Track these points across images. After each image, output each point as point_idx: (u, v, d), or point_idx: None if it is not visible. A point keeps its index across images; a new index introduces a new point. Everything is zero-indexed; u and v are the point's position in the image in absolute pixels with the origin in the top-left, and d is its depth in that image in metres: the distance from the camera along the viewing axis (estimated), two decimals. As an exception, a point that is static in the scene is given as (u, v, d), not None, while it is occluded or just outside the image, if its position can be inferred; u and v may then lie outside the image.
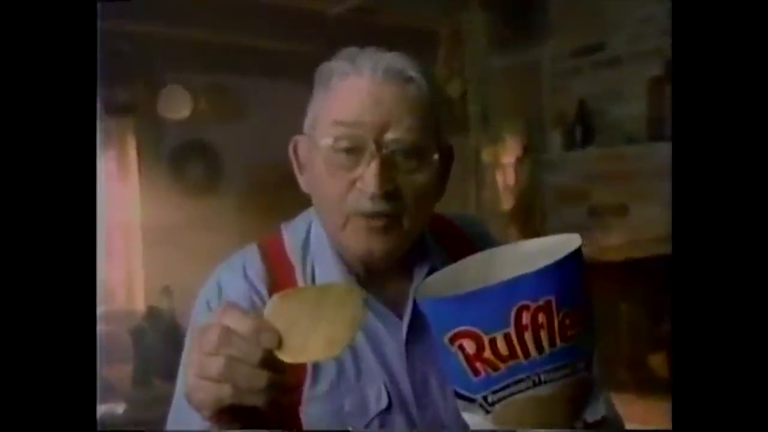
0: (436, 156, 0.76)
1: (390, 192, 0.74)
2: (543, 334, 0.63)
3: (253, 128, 3.60)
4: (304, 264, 0.82)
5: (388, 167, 0.73)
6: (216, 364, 0.56)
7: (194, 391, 0.58)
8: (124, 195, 3.64)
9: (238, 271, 0.82)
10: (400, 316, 0.82)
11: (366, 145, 0.73)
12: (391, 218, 0.75)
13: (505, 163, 3.21)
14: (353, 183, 0.75)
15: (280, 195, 3.57)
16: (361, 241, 0.77)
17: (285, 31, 3.26)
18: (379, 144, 0.73)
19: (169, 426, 0.80)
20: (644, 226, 2.66)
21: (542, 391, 0.64)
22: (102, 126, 3.42)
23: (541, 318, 0.62)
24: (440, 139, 0.79)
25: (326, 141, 0.75)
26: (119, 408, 2.19)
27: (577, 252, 0.64)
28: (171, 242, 3.44)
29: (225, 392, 0.57)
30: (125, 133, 3.66)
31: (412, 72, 0.76)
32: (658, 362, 2.84)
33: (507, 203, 3.18)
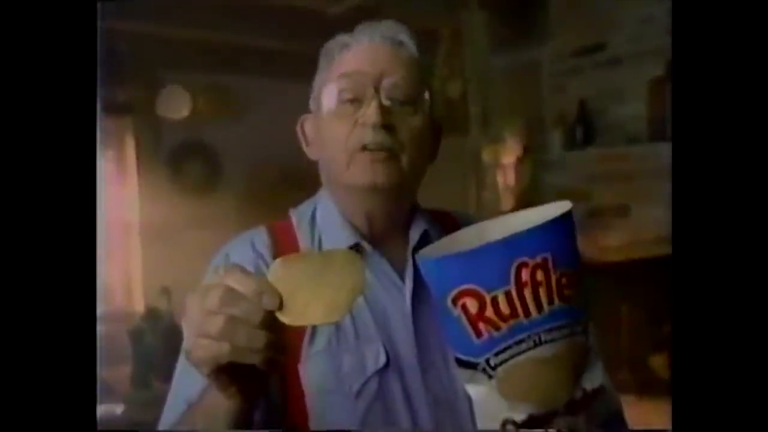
0: (426, 101, 0.85)
1: (388, 125, 0.82)
2: (542, 292, 0.65)
3: (252, 128, 3.61)
4: (312, 237, 0.89)
5: (385, 108, 0.82)
6: (217, 323, 0.57)
7: (194, 348, 0.59)
8: (123, 195, 3.65)
9: (247, 243, 0.88)
10: (402, 279, 0.86)
11: (366, 91, 0.82)
12: (390, 152, 0.82)
13: (505, 163, 3.21)
14: (356, 122, 0.82)
15: (278, 194, 3.58)
16: (366, 173, 0.82)
17: (284, 31, 3.27)
18: (377, 89, 0.82)
19: (173, 385, 0.83)
20: (645, 227, 2.66)
21: (543, 352, 0.66)
22: (101, 126, 3.42)
23: (540, 275, 0.65)
24: (429, 104, 0.87)
25: (331, 94, 0.84)
26: (118, 409, 2.19)
27: (569, 214, 0.67)
28: (170, 242, 3.44)
29: (224, 350, 0.57)
30: (124, 133, 3.67)
31: (404, 37, 0.87)
32: (658, 363, 2.84)
33: (507, 203, 3.18)
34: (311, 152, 0.91)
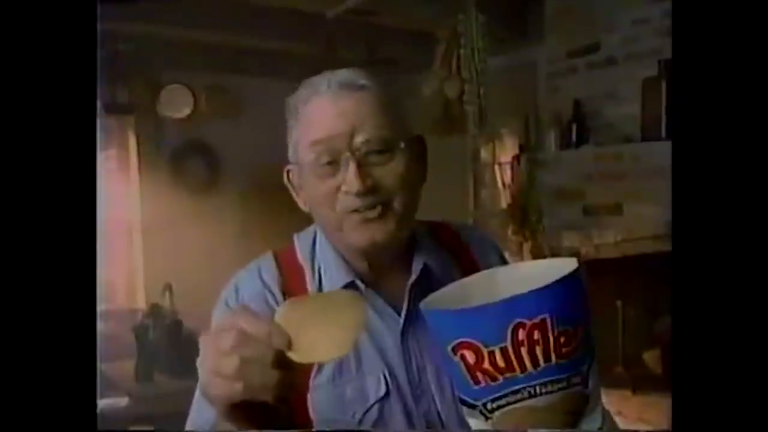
0: (402, 144, 0.85)
1: (371, 186, 0.82)
2: (538, 350, 0.66)
3: (252, 127, 3.62)
4: (312, 269, 0.91)
5: (363, 166, 0.82)
6: (231, 364, 0.61)
7: (209, 387, 0.63)
8: (124, 193, 3.66)
9: (254, 273, 0.91)
10: (398, 311, 0.88)
11: (341, 153, 0.82)
12: (382, 206, 0.83)
13: (502, 162, 3.23)
14: (338, 187, 0.83)
15: (278, 193, 3.61)
16: (361, 233, 0.84)
17: (284, 32, 3.29)
18: (351, 149, 0.82)
19: (191, 414, 0.87)
20: (638, 224, 2.67)
21: (538, 402, 0.68)
22: (102, 125, 3.44)
23: (537, 334, 0.66)
24: (406, 131, 0.87)
25: (309, 159, 0.84)
26: (122, 401, 2.21)
27: (574, 273, 0.68)
28: (171, 240, 3.46)
29: (238, 389, 0.61)
30: (126, 132, 3.68)
31: (363, 80, 0.86)
32: (653, 358, 2.86)
33: (504, 202, 3.20)
34: (301, 203, 0.92)
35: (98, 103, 2.97)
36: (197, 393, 0.85)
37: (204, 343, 0.65)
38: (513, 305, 0.66)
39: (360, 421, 0.85)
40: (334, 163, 0.83)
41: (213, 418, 0.72)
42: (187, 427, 0.87)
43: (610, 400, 2.71)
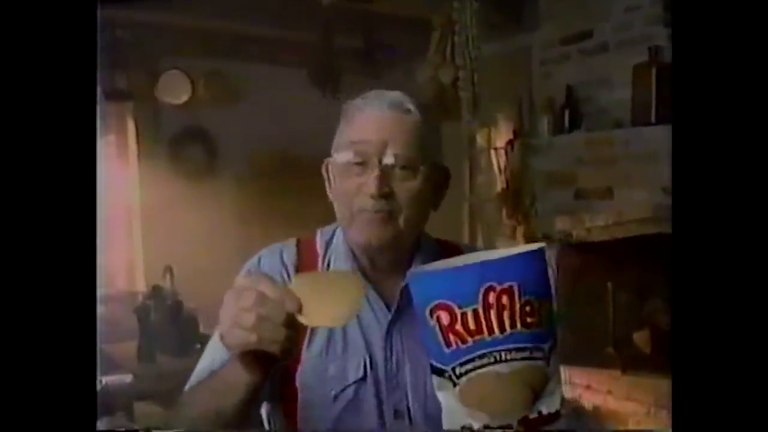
0: (422, 168, 0.95)
1: (386, 193, 0.94)
2: (506, 315, 0.73)
3: (250, 114, 3.65)
4: (324, 257, 1.05)
5: (386, 175, 0.94)
6: (249, 319, 0.74)
7: (228, 335, 0.76)
8: (123, 179, 3.69)
9: (276, 253, 1.06)
10: (390, 308, 1.00)
11: (370, 158, 0.94)
12: (387, 214, 0.95)
13: (496, 147, 3.27)
14: (360, 187, 0.95)
15: (276, 177, 3.65)
16: (364, 232, 0.96)
17: (281, 19, 3.32)
18: (380, 158, 0.94)
19: (203, 357, 1.00)
20: (628, 208, 2.70)
21: (502, 368, 0.74)
22: (102, 111, 3.47)
23: (505, 299, 0.73)
24: (434, 159, 0.99)
25: (343, 156, 0.97)
26: (127, 378, 2.28)
27: (540, 250, 0.76)
28: (170, 224, 3.51)
29: (252, 340, 0.75)
30: (125, 118, 3.71)
31: (410, 105, 0.97)
32: (642, 339, 2.92)
33: (498, 186, 3.24)
34: (330, 194, 1.03)
35: (98, 90, 2.99)
36: (212, 339, 0.99)
37: (228, 299, 0.77)
38: (485, 268, 0.74)
39: (336, 397, 0.97)
40: (363, 165, 0.95)
41: (224, 360, 0.86)
42: (200, 361, 1.00)
43: (600, 379, 2.78)
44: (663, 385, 2.55)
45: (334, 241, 1.06)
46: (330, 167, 1.03)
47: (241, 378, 0.81)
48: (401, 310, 0.99)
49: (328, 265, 1.04)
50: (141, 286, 3.49)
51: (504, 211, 3.14)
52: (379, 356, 0.99)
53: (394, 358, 0.99)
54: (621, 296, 2.88)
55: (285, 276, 1.01)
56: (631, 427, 2.61)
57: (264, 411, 1.01)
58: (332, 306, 0.77)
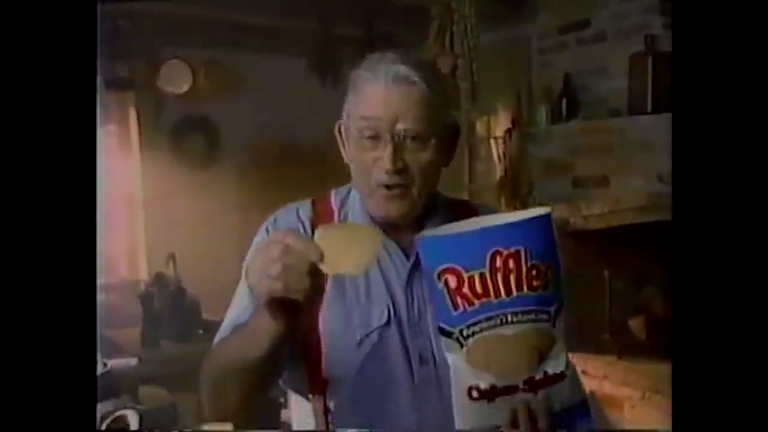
0: (433, 140, 1.00)
1: (401, 168, 0.99)
2: (512, 278, 0.75)
3: (250, 102, 3.65)
4: (339, 213, 1.10)
5: (399, 150, 0.98)
6: (276, 268, 0.79)
7: (258, 285, 0.83)
8: (125, 168, 3.70)
9: (293, 211, 1.11)
10: (408, 258, 1.05)
11: (383, 133, 0.98)
12: (403, 188, 1.00)
13: (495, 136, 3.28)
14: (375, 161, 1.00)
15: (276, 166, 3.66)
16: (381, 207, 1.02)
17: (281, 9, 3.32)
18: (392, 132, 0.98)
19: (228, 312, 1.06)
20: (624, 196, 2.72)
21: (507, 330, 0.76)
22: (103, 100, 3.48)
23: (512, 263, 0.75)
24: (443, 119, 1.03)
25: (356, 128, 1.01)
26: (132, 361, 2.33)
27: (546, 216, 0.78)
28: (172, 212, 3.53)
29: (279, 288, 0.80)
30: (126, 107, 3.71)
31: (416, 78, 0.99)
32: (637, 325, 2.95)
33: (497, 174, 3.26)
34: (345, 156, 1.08)
35: (99, 79, 3.03)
36: (240, 288, 1.06)
37: (256, 251, 0.86)
38: (492, 233, 0.77)
39: (360, 342, 1.00)
40: (375, 138, 0.99)
41: (252, 307, 0.94)
42: (227, 315, 1.05)
43: (596, 365, 2.81)
44: (658, 371, 2.58)
45: (350, 200, 1.10)
46: (343, 129, 1.07)
47: (268, 326, 0.85)
48: (420, 261, 1.00)
49: (344, 220, 1.08)
50: (144, 274, 3.51)
51: (503, 199, 3.16)
52: (401, 303, 1.03)
53: (415, 305, 1.03)
54: (617, 283, 2.91)
55: (301, 231, 1.05)
56: (626, 411, 2.65)
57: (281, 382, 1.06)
58: (352, 254, 0.81)
